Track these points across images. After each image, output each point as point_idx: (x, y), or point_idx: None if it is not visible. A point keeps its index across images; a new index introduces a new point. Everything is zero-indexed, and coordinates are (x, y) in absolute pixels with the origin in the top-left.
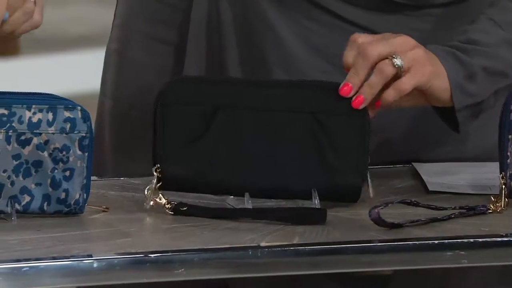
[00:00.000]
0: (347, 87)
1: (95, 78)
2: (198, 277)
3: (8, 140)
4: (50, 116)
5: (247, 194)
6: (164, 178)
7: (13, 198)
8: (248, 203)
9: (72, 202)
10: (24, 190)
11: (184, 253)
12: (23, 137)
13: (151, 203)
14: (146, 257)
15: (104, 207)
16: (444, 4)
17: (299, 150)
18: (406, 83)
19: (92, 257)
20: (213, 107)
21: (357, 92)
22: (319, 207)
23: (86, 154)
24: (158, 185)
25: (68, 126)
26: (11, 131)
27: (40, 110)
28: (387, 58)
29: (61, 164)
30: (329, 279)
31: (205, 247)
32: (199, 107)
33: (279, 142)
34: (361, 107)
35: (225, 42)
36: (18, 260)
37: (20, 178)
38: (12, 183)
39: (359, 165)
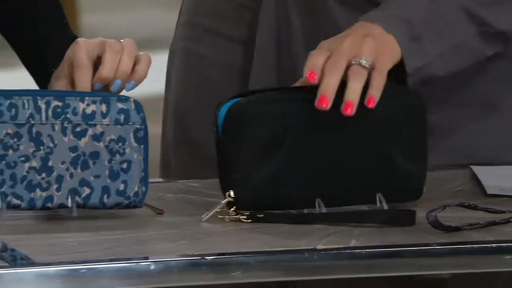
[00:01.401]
0: (325, 98)
1: (159, 81)
2: (255, 280)
3: (64, 131)
4: (103, 107)
5: (319, 200)
6: (238, 201)
7: (73, 191)
8: (320, 208)
9: (131, 194)
10: (84, 182)
11: (240, 255)
12: (78, 129)
13: (227, 220)
14: (203, 260)
15: (159, 209)
16: None
17: (367, 158)
18: (378, 79)
19: (149, 259)
20: (283, 127)
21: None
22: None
23: (142, 146)
24: (233, 208)
25: (122, 117)
26: (66, 122)
27: (94, 102)
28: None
29: (118, 156)
30: (386, 282)
31: (261, 250)
32: (269, 129)
33: (347, 155)
34: (352, 113)
35: (295, 47)
36: (76, 262)
37: (79, 170)
38: (71, 175)
39: (421, 166)
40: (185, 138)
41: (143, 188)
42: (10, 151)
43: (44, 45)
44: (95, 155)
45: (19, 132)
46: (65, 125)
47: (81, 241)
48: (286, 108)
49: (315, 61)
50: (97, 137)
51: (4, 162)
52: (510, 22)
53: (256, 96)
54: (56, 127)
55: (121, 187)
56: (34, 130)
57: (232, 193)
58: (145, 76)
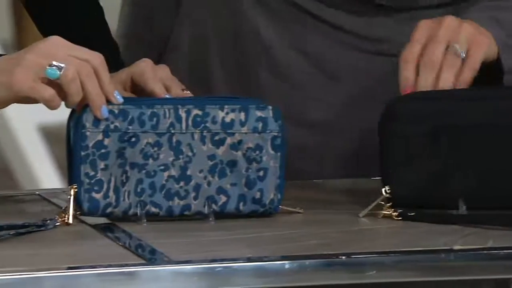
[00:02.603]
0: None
1: None
2: (389, 280)
3: (203, 140)
4: (242, 116)
5: (461, 200)
6: (393, 197)
7: (210, 199)
8: (463, 209)
9: (267, 202)
10: (220, 190)
11: (375, 255)
12: (217, 137)
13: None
14: (337, 259)
15: (298, 208)
16: (431, 7)
17: None
18: (473, 70)
19: (284, 258)
20: (438, 125)
21: None
22: None
23: (279, 153)
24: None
25: (260, 125)
26: (205, 131)
27: (233, 110)
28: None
29: (254, 164)
30: None
31: (397, 250)
32: (424, 126)
33: (499, 157)
34: None
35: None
36: (213, 260)
37: (216, 178)
38: (209, 184)
39: None
40: None
41: (279, 196)
42: (150, 160)
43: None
44: (233, 163)
45: (160, 141)
46: (204, 134)
47: (216, 239)
48: (445, 106)
49: (411, 55)
50: (235, 146)
51: (144, 171)
52: None
53: (416, 93)
54: (196, 136)
55: (257, 195)
56: (174, 139)
57: (388, 189)
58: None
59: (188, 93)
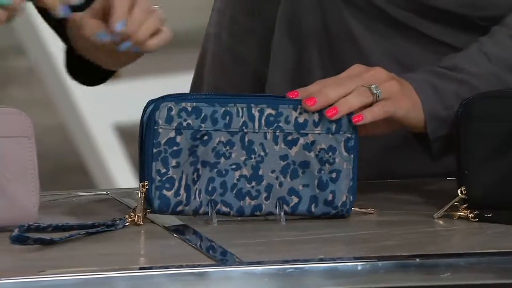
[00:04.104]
0: (312, 99)
1: None
2: (464, 282)
3: (275, 140)
4: (316, 116)
5: None
6: (469, 198)
7: (281, 199)
8: None
9: (339, 204)
10: (292, 191)
11: (450, 257)
12: (289, 138)
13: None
14: (411, 260)
15: (371, 209)
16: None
17: None
18: (379, 109)
19: (357, 259)
20: None
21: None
22: None
23: (352, 155)
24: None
25: (333, 126)
26: (278, 131)
27: (306, 110)
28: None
29: (327, 166)
30: None
31: (472, 251)
32: (503, 125)
33: None
34: (334, 118)
35: (306, 44)
36: (284, 261)
37: (288, 179)
38: (280, 184)
39: None
40: None
41: (351, 198)
42: (222, 159)
43: None
44: (305, 164)
45: (232, 140)
46: (277, 133)
47: (288, 240)
48: None
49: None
50: (308, 147)
51: (215, 170)
52: None
53: (492, 92)
54: (268, 136)
55: (329, 197)
56: (246, 139)
57: (464, 190)
58: (152, 51)
59: (155, 8)
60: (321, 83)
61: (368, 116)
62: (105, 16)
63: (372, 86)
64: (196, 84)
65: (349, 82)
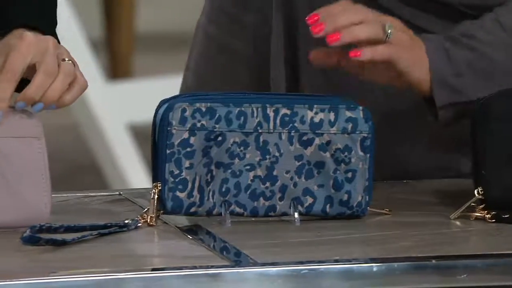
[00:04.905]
0: (319, 27)
1: None
2: (481, 284)
3: (290, 140)
4: (331, 116)
5: None
6: (486, 199)
7: (296, 200)
8: None
9: (354, 205)
10: (307, 191)
11: (467, 258)
12: (305, 138)
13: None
14: (428, 262)
15: (387, 210)
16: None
17: None
18: (382, 50)
19: (372, 260)
20: None
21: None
22: None
23: (368, 155)
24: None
25: (350, 126)
26: (293, 131)
27: (322, 110)
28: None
29: (343, 165)
30: None
31: (489, 253)
32: None
33: None
34: (333, 44)
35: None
36: (299, 263)
37: (303, 179)
38: (295, 185)
39: None
40: None
41: (367, 198)
42: (236, 160)
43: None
44: (320, 164)
45: (246, 140)
46: (292, 134)
47: (302, 241)
48: None
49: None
50: (323, 147)
51: (229, 170)
52: None
53: (510, 91)
54: (283, 136)
55: (345, 197)
56: (261, 139)
57: (480, 190)
58: (68, 104)
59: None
60: (341, 4)
61: (367, 53)
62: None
63: (387, 24)
64: (184, 74)
65: (365, 12)
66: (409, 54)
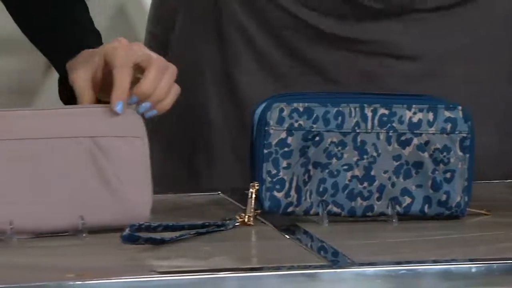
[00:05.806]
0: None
1: None
2: None
3: (388, 140)
4: (430, 116)
5: None
6: None
7: (394, 200)
8: None
9: (453, 205)
10: (405, 191)
11: None
12: (403, 138)
13: None
14: None
15: (485, 210)
16: (428, 10)
17: None
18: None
19: (471, 261)
20: None
21: None
22: None
23: (467, 155)
24: None
25: (448, 126)
26: (391, 131)
27: (421, 110)
28: None
29: (441, 166)
30: None
31: None
32: None
33: None
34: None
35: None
36: (397, 263)
37: (401, 179)
38: (393, 185)
39: None
40: None
41: (466, 198)
42: (334, 160)
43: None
44: (419, 164)
45: (344, 140)
46: (390, 134)
47: (400, 241)
48: None
49: None
50: (421, 147)
51: (327, 170)
52: None
53: None
54: (381, 136)
55: (443, 197)
56: (359, 139)
57: None
58: (166, 109)
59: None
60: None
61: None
62: (106, 86)
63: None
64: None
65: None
66: None
